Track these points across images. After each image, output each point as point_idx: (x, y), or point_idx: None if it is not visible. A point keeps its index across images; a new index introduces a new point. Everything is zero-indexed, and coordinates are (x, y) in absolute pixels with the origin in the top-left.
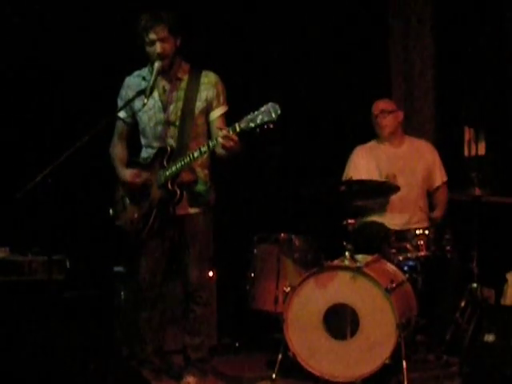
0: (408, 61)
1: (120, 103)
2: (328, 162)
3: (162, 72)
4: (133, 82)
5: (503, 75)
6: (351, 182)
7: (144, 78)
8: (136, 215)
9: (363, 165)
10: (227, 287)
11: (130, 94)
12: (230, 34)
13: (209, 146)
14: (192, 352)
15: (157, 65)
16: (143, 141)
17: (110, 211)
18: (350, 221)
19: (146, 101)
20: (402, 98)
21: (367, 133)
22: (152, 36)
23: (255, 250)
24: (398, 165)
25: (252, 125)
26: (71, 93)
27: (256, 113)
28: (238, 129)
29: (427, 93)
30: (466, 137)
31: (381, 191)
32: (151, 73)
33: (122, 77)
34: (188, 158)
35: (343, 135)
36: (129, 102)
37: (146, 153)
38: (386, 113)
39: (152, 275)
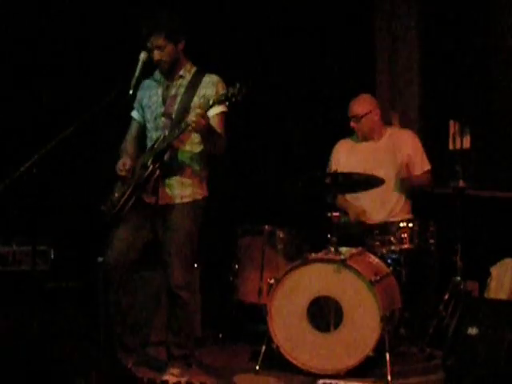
0: (393, 54)
1: (135, 105)
2: (313, 155)
3: (165, 74)
4: (147, 83)
5: (488, 69)
6: (337, 175)
7: (155, 80)
8: (116, 195)
9: (344, 159)
10: (211, 279)
11: (142, 95)
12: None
13: (184, 125)
14: (175, 349)
15: (142, 56)
16: (148, 138)
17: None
18: (334, 213)
19: (130, 92)
20: (387, 92)
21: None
22: (149, 44)
23: (239, 242)
24: (378, 158)
25: (222, 98)
26: (59, 82)
27: (227, 89)
28: (210, 102)
29: (412, 86)
30: (451, 130)
31: (366, 184)
32: (160, 73)
33: (115, 69)
34: (168, 137)
35: (328, 128)
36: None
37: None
38: (358, 118)
39: (119, 256)
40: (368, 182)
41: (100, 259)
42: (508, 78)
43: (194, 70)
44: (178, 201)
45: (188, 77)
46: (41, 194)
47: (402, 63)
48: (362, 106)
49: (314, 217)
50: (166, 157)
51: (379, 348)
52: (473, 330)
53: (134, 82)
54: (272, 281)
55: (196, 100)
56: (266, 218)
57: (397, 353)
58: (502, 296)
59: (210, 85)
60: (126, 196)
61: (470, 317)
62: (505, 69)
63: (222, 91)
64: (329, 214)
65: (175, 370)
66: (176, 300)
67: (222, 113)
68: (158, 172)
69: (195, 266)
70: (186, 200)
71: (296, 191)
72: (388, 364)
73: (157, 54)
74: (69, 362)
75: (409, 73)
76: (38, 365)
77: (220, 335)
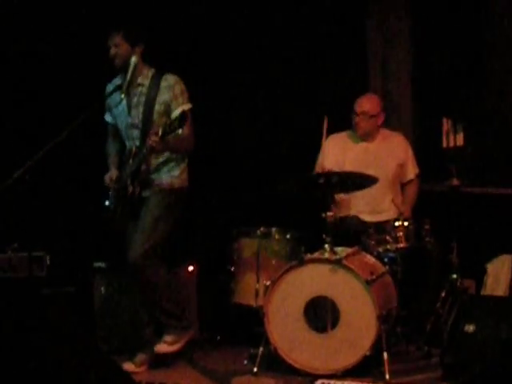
0: (385, 52)
1: (106, 109)
2: (307, 155)
3: (124, 76)
4: (110, 88)
5: (481, 66)
6: (330, 174)
7: (117, 86)
8: (112, 207)
9: (335, 155)
10: (208, 281)
11: (109, 102)
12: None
13: (146, 146)
14: (163, 316)
15: (133, 59)
16: (124, 143)
17: (105, 202)
18: (328, 213)
19: (122, 96)
20: (379, 90)
21: (344, 127)
22: (109, 42)
23: (235, 244)
24: (368, 159)
25: (168, 130)
26: (50, 89)
27: (171, 120)
28: (160, 133)
29: (405, 84)
30: (444, 127)
31: (359, 183)
32: (123, 77)
33: (105, 75)
34: (141, 156)
35: (320, 128)
36: (105, 100)
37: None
38: (367, 116)
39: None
40: (361, 181)
41: (97, 264)
42: (500, 75)
43: (151, 73)
44: (145, 194)
45: (146, 83)
46: (35, 201)
47: (394, 61)
48: (375, 105)
49: (309, 217)
50: (142, 170)
51: (376, 347)
52: (470, 328)
53: (125, 85)
54: (268, 282)
55: (157, 107)
56: (261, 220)
57: (394, 351)
58: (499, 292)
59: (167, 90)
60: (119, 212)
61: (467, 314)
62: (497, 65)
63: (178, 92)
64: (323, 214)
65: (168, 337)
66: (138, 276)
67: (186, 111)
68: (138, 189)
69: (191, 268)
70: (161, 187)
71: (290, 192)
72: (386, 363)
73: (112, 50)
74: (65, 368)
75: (401, 70)
76: (34, 371)
77: (217, 338)
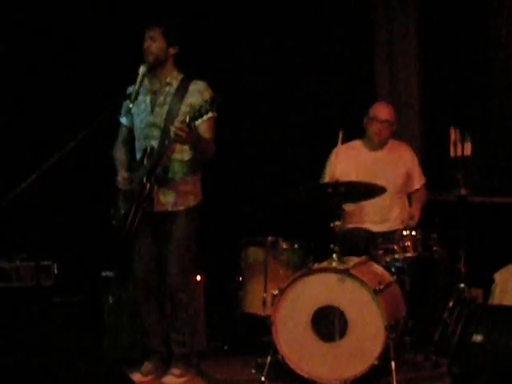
0: (393, 61)
1: (122, 111)
2: (316, 164)
3: (152, 74)
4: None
5: (488, 75)
6: (338, 184)
7: (128, 96)
8: (122, 211)
9: (342, 165)
10: (215, 291)
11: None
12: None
13: (169, 138)
14: (176, 347)
15: (141, 69)
16: (136, 144)
17: (111, 211)
18: (336, 223)
19: (131, 105)
20: (387, 99)
21: (351, 136)
22: (146, 34)
23: (243, 254)
24: (377, 168)
25: (197, 114)
26: (62, 97)
27: (201, 104)
28: (187, 119)
29: (412, 93)
30: (452, 137)
31: (367, 193)
32: (143, 77)
33: (114, 83)
34: (157, 152)
35: (330, 137)
36: (116, 105)
37: (138, 155)
38: (388, 124)
39: (145, 270)
40: (369, 191)
41: (105, 273)
42: (507, 84)
43: (180, 77)
44: (172, 208)
45: (175, 84)
46: (43, 210)
47: (401, 71)
48: (393, 114)
49: (317, 227)
50: (158, 168)
51: (384, 356)
52: (478, 337)
53: (133, 95)
54: (276, 292)
55: (183, 109)
56: (269, 229)
57: (402, 361)
58: (507, 302)
59: (196, 93)
60: (131, 215)
61: (475, 324)
62: (504, 75)
63: (208, 98)
64: (332, 224)
65: (176, 370)
66: (176, 302)
67: (210, 118)
68: (155, 188)
69: (199, 278)
70: (180, 208)
71: (298, 201)
72: (393, 372)
73: (148, 43)
74: (73, 377)
75: (408, 80)
76: (42, 380)
77: (225, 347)
